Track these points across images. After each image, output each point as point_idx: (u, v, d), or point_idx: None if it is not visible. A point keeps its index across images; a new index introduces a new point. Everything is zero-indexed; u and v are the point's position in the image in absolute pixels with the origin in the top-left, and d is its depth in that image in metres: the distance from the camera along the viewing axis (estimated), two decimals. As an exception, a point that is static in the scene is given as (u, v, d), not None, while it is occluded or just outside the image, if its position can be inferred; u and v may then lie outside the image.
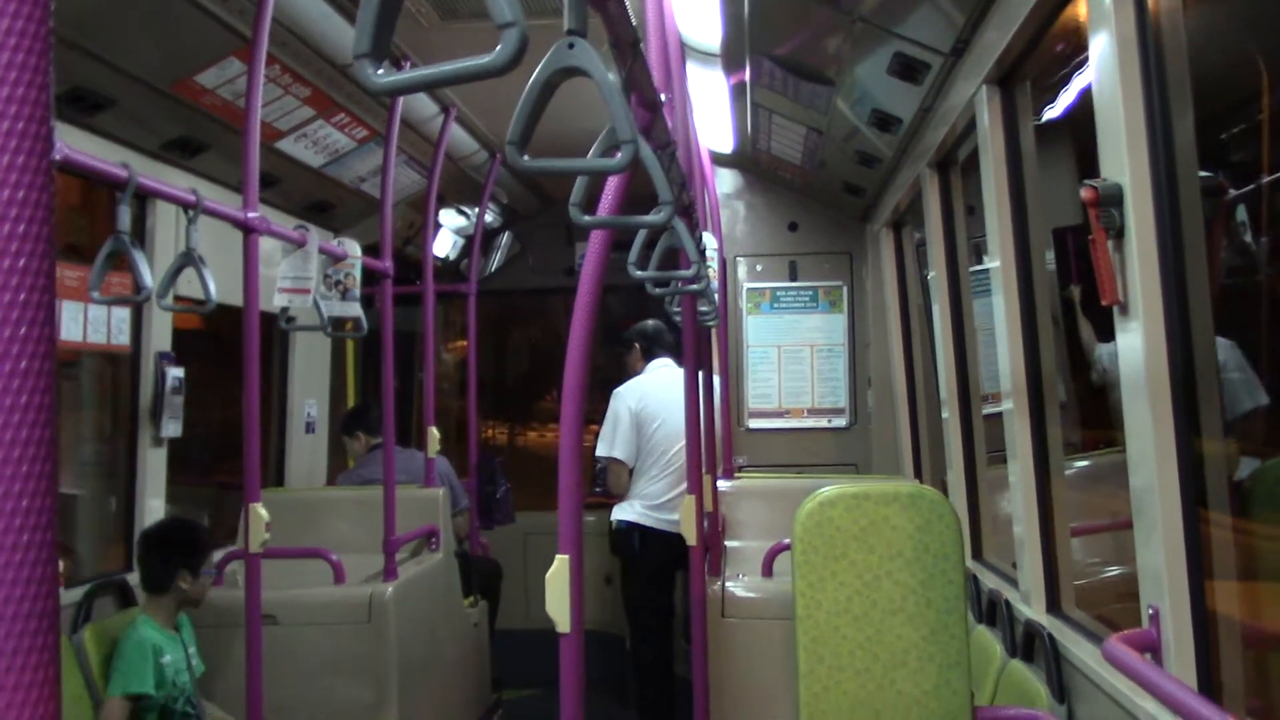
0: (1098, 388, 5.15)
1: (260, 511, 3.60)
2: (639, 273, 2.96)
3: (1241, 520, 2.45)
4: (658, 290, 3.64)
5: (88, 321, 4.26)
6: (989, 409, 4.47)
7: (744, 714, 4.41)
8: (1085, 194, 2.31)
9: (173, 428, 4.71)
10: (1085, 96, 3.03)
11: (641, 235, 2.98)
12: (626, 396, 5.94)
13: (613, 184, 2.12)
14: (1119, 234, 2.30)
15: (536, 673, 6.71)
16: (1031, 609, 3.41)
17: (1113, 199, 2.28)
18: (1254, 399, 3.80)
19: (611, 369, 8.59)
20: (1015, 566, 3.68)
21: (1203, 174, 2.34)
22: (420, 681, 4.91)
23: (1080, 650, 2.90)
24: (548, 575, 2.11)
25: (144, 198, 4.37)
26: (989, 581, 3.97)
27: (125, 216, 3.24)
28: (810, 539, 2.73)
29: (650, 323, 6.25)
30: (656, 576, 5.83)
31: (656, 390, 5.88)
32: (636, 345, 6.22)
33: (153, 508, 4.63)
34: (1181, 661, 2.24)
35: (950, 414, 4.67)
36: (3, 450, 0.67)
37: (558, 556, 2.12)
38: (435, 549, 5.44)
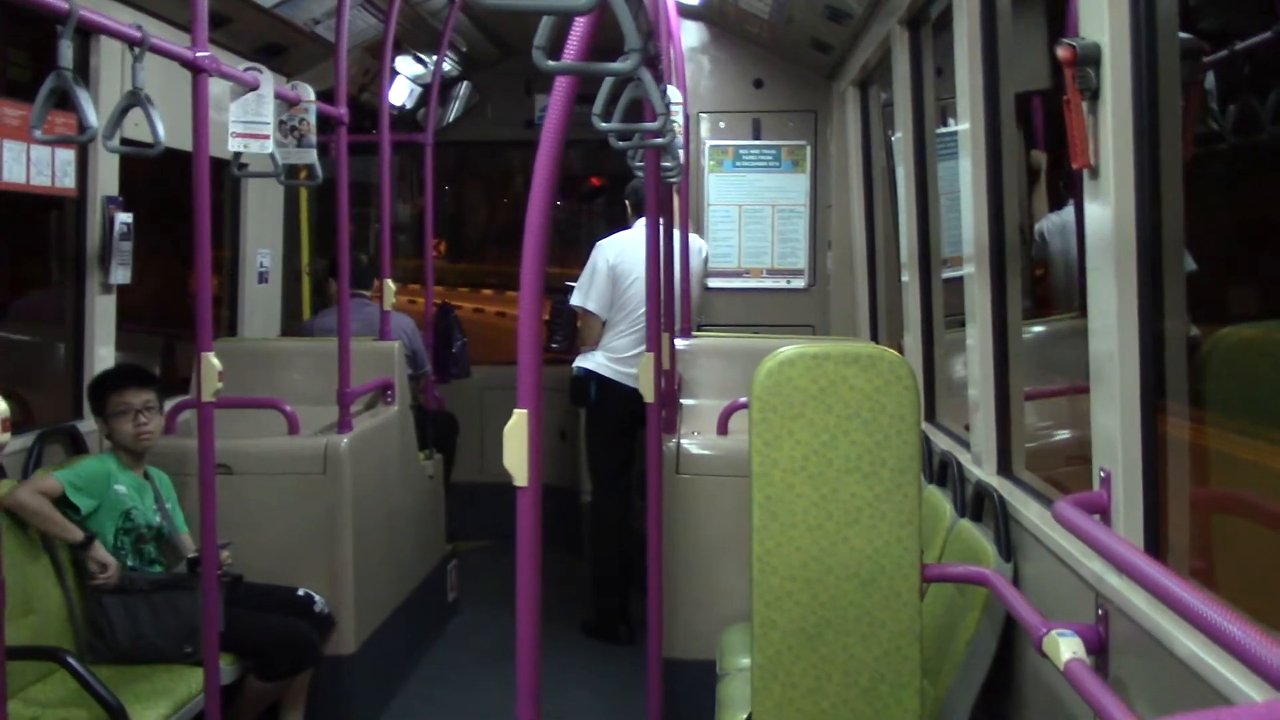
0: (1035, 260, 5.16)
1: (212, 360, 3.55)
2: (603, 124, 2.89)
3: (1195, 388, 2.47)
4: (621, 144, 3.57)
5: (30, 163, 4.12)
6: (948, 273, 4.47)
7: (696, 568, 4.49)
8: (1062, 53, 2.26)
9: (121, 274, 4.61)
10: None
11: (606, 87, 2.90)
12: (606, 249, 5.89)
13: (579, 26, 2.04)
14: (1094, 95, 2.26)
15: (491, 526, 6.80)
16: (982, 470, 3.46)
17: (1090, 58, 2.23)
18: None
19: (569, 226, 8.52)
20: (968, 429, 3.73)
21: (1182, 35, 2.29)
22: (375, 533, 4.95)
23: (1029, 511, 2.95)
24: (505, 429, 2.10)
25: (88, 34, 4.19)
26: (941, 443, 4.02)
27: (67, 52, 3.11)
28: (769, 398, 2.73)
29: (639, 180, 6.16)
30: (616, 429, 5.86)
31: (636, 246, 5.81)
32: (628, 203, 6.15)
33: (102, 355, 4.56)
34: (1130, 524, 2.28)
35: (910, 277, 4.67)
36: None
37: (516, 411, 2.10)
38: (391, 402, 5.43)
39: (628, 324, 5.80)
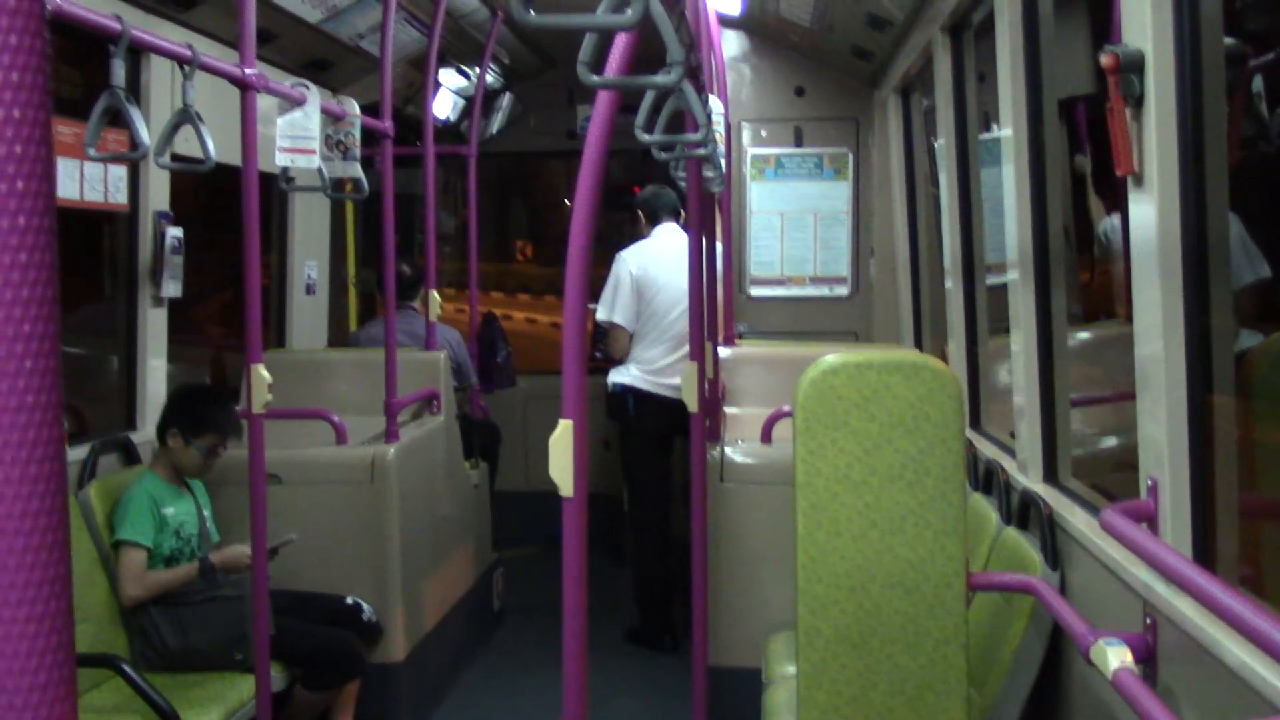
0: (1099, 261, 5.11)
1: (262, 372, 3.61)
2: (646, 136, 2.91)
3: (1243, 395, 2.45)
4: (663, 155, 3.59)
5: (84, 179, 4.21)
6: (991, 280, 4.45)
7: (740, 576, 4.49)
8: (1105, 60, 2.25)
9: (173, 288, 4.69)
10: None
11: (649, 99, 2.92)
12: (629, 260, 5.89)
13: (621, 42, 2.07)
14: (1138, 102, 2.25)
15: (536, 534, 6.83)
16: (1028, 478, 3.44)
17: (1134, 65, 2.23)
18: (1255, 272, 3.78)
19: (611, 235, 8.55)
20: (1013, 436, 3.71)
21: (1226, 40, 2.28)
22: (421, 541, 4.99)
23: (1075, 519, 2.93)
24: (551, 439, 2.12)
25: (139, 54, 4.27)
26: (986, 451, 4.00)
27: (120, 71, 3.17)
28: (812, 406, 2.74)
29: (650, 188, 6.17)
30: (653, 440, 5.88)
31: (659, 255, 5.84)
32: (641, 213, 6.15)
33: (154, 367, 4.64)
34: (1178, 532, 2.27)
35: (954, 284, 4.65)
36: (4, 310, 0.65)
37: (561, 421, 2.12)
38: (436, 411, 5.47)
39: (657, 333, 5.80)
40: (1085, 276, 5.23)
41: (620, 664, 5.56)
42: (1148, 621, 2.34)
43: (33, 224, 0.66)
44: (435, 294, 5.86)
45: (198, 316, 6.05)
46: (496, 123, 8.04)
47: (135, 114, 3.24)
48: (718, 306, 5.14)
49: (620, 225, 9.18)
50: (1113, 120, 2.28)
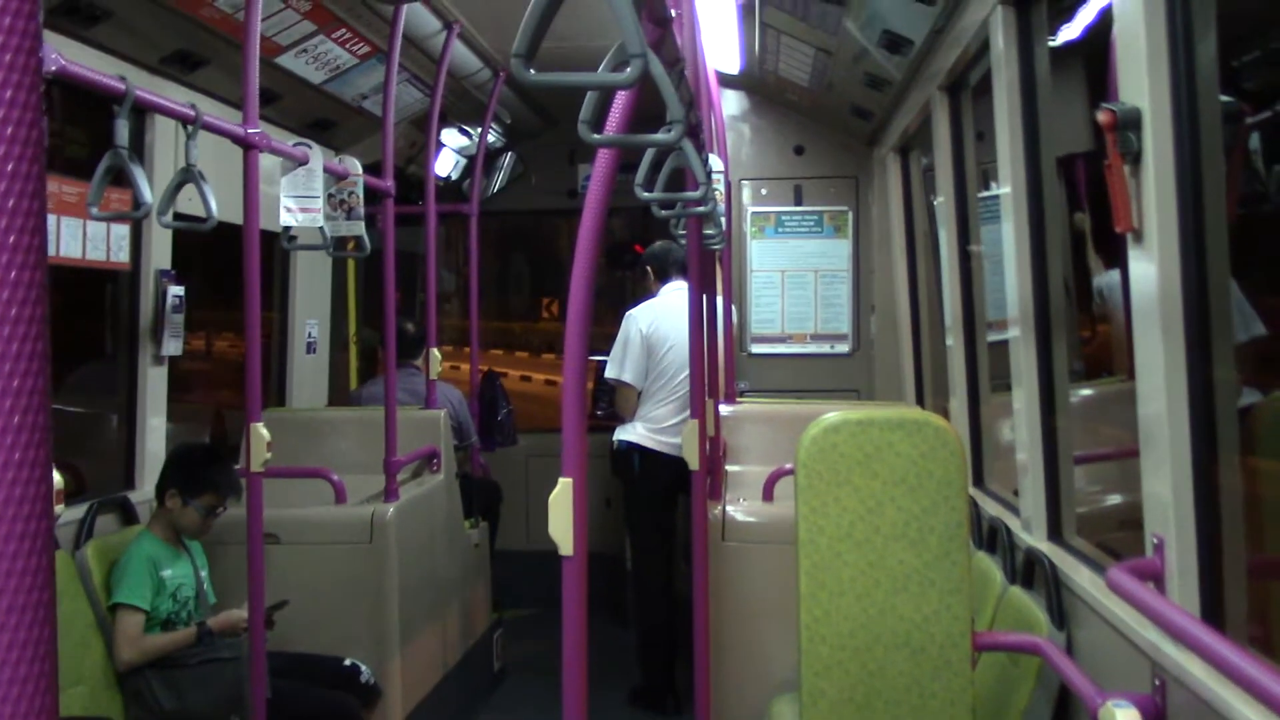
0: (1098, 317, 5.11)
1: (262, 431, 3.59)
2: (646, 194, 2.92)
3: (1247, 451, 2.43)
4: (664, 213, 3.60)
5: (86, 238, 4.22)
6: (992, 337, 4.45)
7: (743, 636, 4.44)
8: (1103, 118, 2.26)
9: (173, 346, 4.69)
10: (1103, 18, 2.96)
11: (649, 157, 2.93)
12: (639, 318, 5.88)
13: (621, 100, 2.07)
14: (1135, 159, 2.26)
15: (537, 593, 6.77)
16: (1032, 536, 3.41)
17: (1131, 123, 2.24)
18: (1249, 330, 3.79)
19: (613, 293, 8.58)
20: (1016, 494, 3.68)
21: (1223, 99, 2.29)
22: (421, 601, 4.95)
23: (1080, 578, 2.90)
24: (550, 498, 2.10)
25: (143, 113, 4.31)
26: (990, 509, 3.97)
27: (123, 131, 3.19)
28: (814, 464, 2.72)
29: (659, 244, 6.17)
30: (657, 499, 5.84)
31: (669, 313, 5.82)
32: (650, 269, 6.14)
33: (153, 426, 4.63)
34: (1185, 591, 2.24)
35: (955, 341, 4.65)
36: (-6, 364, 0.64)
37: (560, 479, 2.10)
38: (436, 470, 5.45)
39: (666, 393, 5.79)
40: (1085, 333, 5.23)
41: (622, 726, 5.49)
42: (1156, 682, 2.30)
43: (24, 278, 0.65)
44: (436, 352, 5.86)
45: (196, 371, 6.04)
46: (498, 181, 8.09)
47: (138, 173, 3.26)
48: (719, 364, 5.14)
49: (621, 283, 9.22)
50: (1111, 177, 2.28)
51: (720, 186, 4.03)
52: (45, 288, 0.67)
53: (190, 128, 3.48)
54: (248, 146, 3.64)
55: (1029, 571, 3.27)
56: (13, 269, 0.64)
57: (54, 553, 0.68)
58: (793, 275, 7.04)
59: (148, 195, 3.27)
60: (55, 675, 0.66)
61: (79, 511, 4.05)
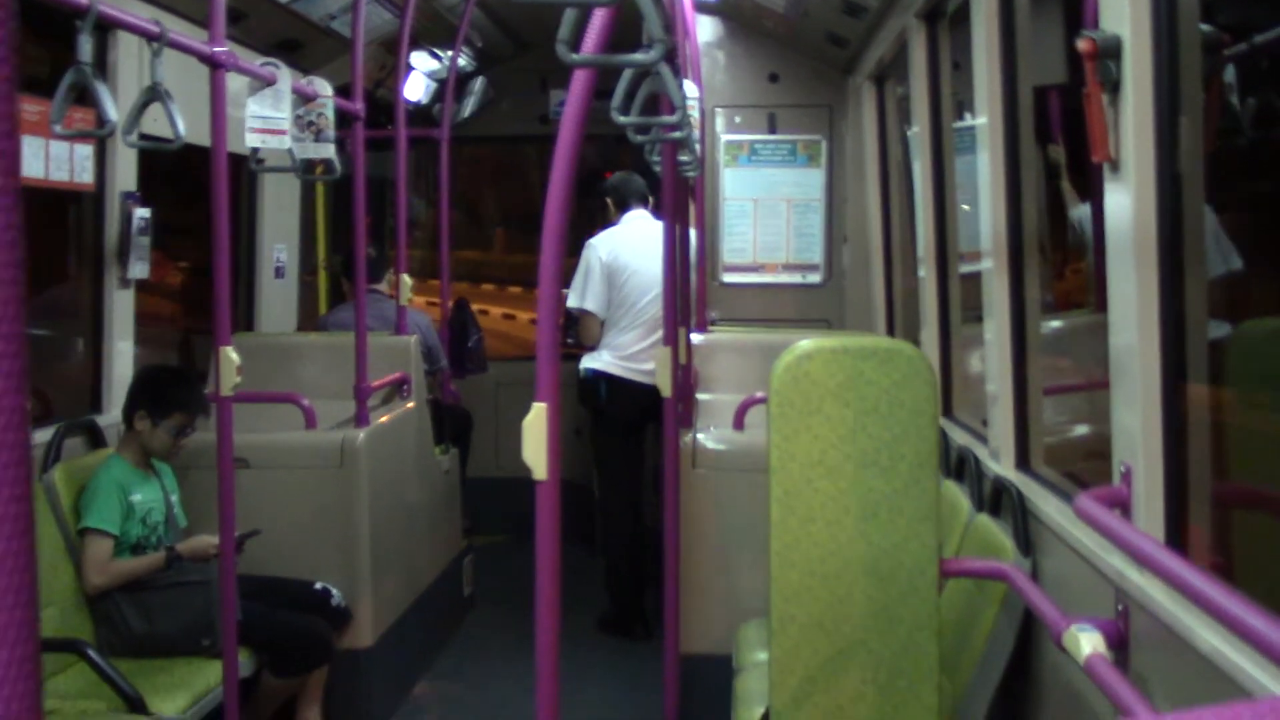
0: (1073, 249, 5.13)
1: (231, 355, 3.57)
2: (622, 118, 2.89)
3: (1216, 383, 2.46)
4: (639, 138, 3.57)
5: (49, 158, 4.14)
6: (964, 268, 4.45)
7: (713, 563, 4.49)
8: (1083, 45, 2.25)
9: (140, 269, 4.63)
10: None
11: (625, 81, 2.90)
12: (598, 247, 5.88)
13: (599, 20, 2.04)
14: (1114, 88, 2.25)
15: (507, 520, 6.80)
16: (1000, 465, 3.45)
17: (1111, 51, 2.22)
18: (1227, 264, 3.80)
19: (584, 222, 8.52)
20: (985, 424, 3.71)
21: (1203, 27, 2.28)
22: (391, 527, 4.96)
23: (1047, 505, 2.94)
24: (524, 422, 2.10)
25: (106, 30, 4.21)
26: (959, 438, 4.01)
27: (86, 47, 3.12)
28: (786, 392, 2.73)
29: (618, 175, 6.16)
30: (625, 426, 5.86)
31: (629, 241, 5.82)
32: (609, 200, 6.13)
33: (120, 349, 4.58)
34: (1150, 518, 2.27)
35: (928, 272, 4.65)
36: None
37: (535, 404, 2.10)
38: (407, 396, 5.44)
39: (629, 319, 5.79)
40: (1058, 265, 5.25)
41: (592, 653, 5.55)
42: (1120, 608, 2.34)
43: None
44: (406, 278, 5.83)
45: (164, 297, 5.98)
46: (469, 106, 7.99)
47: (102, 90, 3.19)
48: (690, 292, 5.13)
49: (592, 213, 9.17)
50: (1089, 106, 2.27)
51: (695, 113, 3.99)
52: (19, 196, 0.66)
53: (155, 45, 3.41)
54: (214, 65, 3.56)
55: (996, 500, 3.31)
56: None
57: (31, 469, 0.67)
58: (765, 204, 7.01)
59: (112, 113, 3.21)
60: (35, 591, 0.65)
61: (46, 434, 4.02)
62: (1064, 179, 4.92)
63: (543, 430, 2.08)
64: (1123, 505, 2.34)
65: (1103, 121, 2.28)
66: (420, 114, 7.58)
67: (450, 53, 6.84)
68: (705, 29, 6.92)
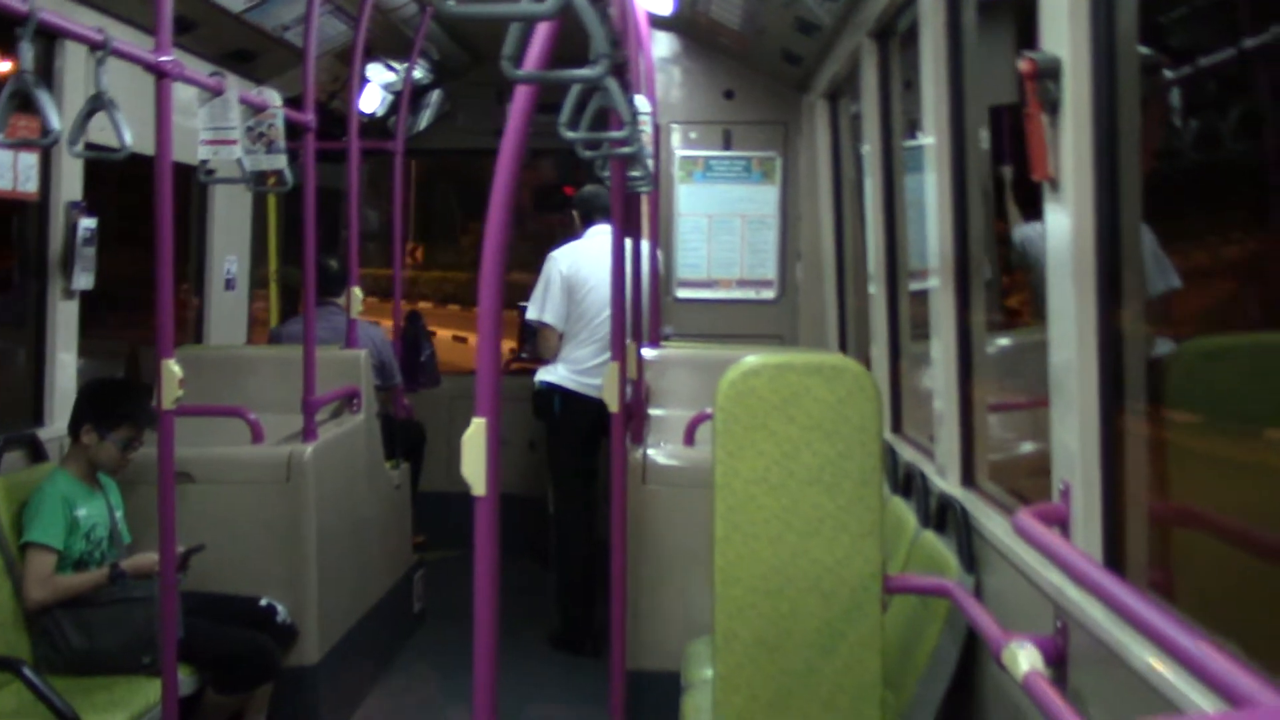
0: (1015, 268, 5.17)
1: (173, 367, 3.52)
2: (570, 133, 2.89)
3: (1155, 401, 2.48)
4: (589, 153, 3.57)
5: (-8, 167, 4.08)
6: (915, 285, 4.48)
7: (662, 579, 4.47)
8: (1023, 66, 2.27)
9: (85, 280, 4.57)
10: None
11: (574, 96, 2.90)
12: (560, 260, 5.87)
13: (542, 33, 2.04)
14: (1054, 108, 2.27)
15: (460, 535, 6.75)
16: (946, 481, 3.46)
17: (1050, 72, 2.24)
18: (1166, 282, 3.85)
19: (544, 236, 8.51)
20: (933, 440, 3.73)
21: (1142, 50, 2.31)
22: (340, 542, 4.91)
23: (991, 522, 2.96)
24: (464, 437, 2.09)
25: (51, 37, 4.15)
26: (907, 454, 4.02)
27: (28, 54, 3.07)
28: (732, 408, 2.73)
29: (588, 188, 6.15)
30: (579, 440, 5.85)
31: (591, 255, 5.81)
32: (575, 213, 6.13)
33: (63, 361, 4.51)
34: (1089, 536, 2.29)
35: (878, 289, 4.68)
36: None
37: (474, 419, 2.09)
38: (357, 410, 5.39)
39: (587, 333, 5.79)
40: (1004, 283, 5.29)
41: (541, 668, 5.51)
42: (1058, 624, 2.36)
43: None
44: (357, 290, 5.79)
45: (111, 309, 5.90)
46: (424, 119, 7.96)
47: (45, 98, 3.15)
48: (643, 308, 5.13)
49: (552, 227, 9.16)
50: (1029, 125, 2.30)
51: (648, 128, 3.99)
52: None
53: (100, 53, 3.37)
54: (160, 75, 3.53)
55: (942, 516, 3.32)
56: None
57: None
58: (720, 220, 7.03)
59: (55, 122, 3.16)
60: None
61: (-15, 447, 3.95)
62: (1010, 198, 4.97)
63: (482, 445, 2.07)
64: (1062, 522, 2.35)
65: (1043, 141, 2.30)
66: (376, 126, 7.54)
67: (406, 64, 6.82)
68: (661, 44, 6.94)
